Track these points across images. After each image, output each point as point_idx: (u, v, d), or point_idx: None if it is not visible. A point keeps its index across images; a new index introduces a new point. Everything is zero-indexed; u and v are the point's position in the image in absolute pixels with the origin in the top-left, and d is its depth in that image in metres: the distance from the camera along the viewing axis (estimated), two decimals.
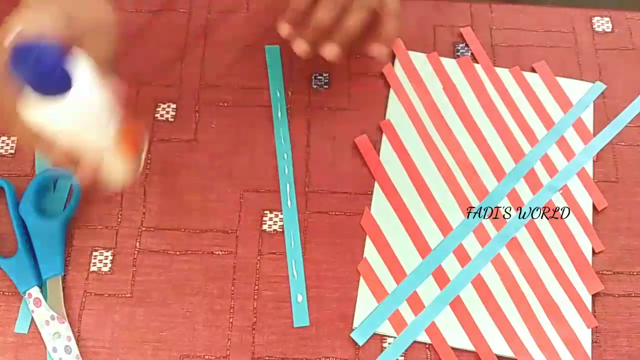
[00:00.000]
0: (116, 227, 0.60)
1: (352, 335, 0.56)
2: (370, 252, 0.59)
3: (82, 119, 0.45)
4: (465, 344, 0.56)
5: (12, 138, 0.63)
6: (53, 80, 0.42)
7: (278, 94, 0.65)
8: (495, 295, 0.58)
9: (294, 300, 0.57)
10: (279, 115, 0.64)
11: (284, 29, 0.58)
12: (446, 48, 0.68)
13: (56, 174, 0.60)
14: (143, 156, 0.53)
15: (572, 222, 0.60)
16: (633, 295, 0.58)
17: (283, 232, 0.60)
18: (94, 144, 0.47)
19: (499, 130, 0.64)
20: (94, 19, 0.50)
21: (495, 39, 0.69)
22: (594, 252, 0.59)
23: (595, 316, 0.57)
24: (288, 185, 0.61)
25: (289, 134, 0.64)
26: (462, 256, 0.59)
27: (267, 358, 0.55)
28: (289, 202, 0.61)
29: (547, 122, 0.65)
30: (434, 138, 0.64)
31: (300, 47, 0.57)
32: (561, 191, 0.62)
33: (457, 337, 0.56)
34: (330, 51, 0.57)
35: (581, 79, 0.67)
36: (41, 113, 0.43)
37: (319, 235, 0.60)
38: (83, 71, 0.44)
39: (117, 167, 0.50)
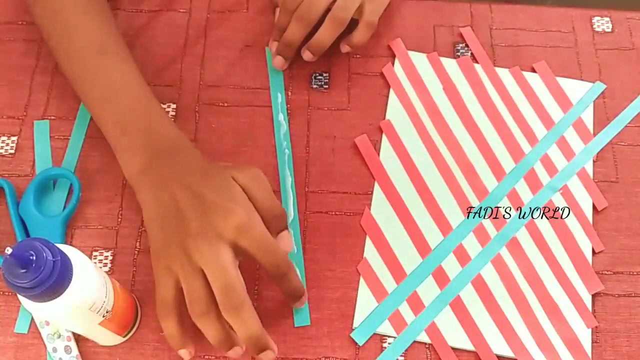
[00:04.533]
0: (116, 227, 0.60)
1: (352, 335, 0.56)
2: (370, 252, 0.59)
3: (80, 308, 0.46)
4: (465, 344, 0.56)
5: (12, 138, 0.63)
6: (47, 290, 0.42)
7: (279, 94, 0.65)
8: (495, 295, 0.58)
9: None
10: (279, 115, 0.64)
11: (273, 48, 0.66)
12: (446, 48, 0.68)
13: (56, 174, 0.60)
14: (137, 322, 0.56)
15: (572, 222, 0.60)
16: (633, 295, 0.58)
17: None
18: (92, 321, 0.49)
19: (499, 130, 0.64)
20: None
21: (495, 39, 0.69)
22: (594, 252, 0.59)
23: (595, 316, 0.57)
24: (288, 185, 0.61)
25: (289, 134, 0.64)
26: (462, 256, 0.59)
27: None
28: (289, 202, 0.61)
29: (547, 122, 0.65)
30: (434, 138, 0.64)
31: (278, 63, 0.65)
32: (561, 191, 0.62)
33: (457, 337, 0.56)
34: (306, 56, 0.65)
35: (581, 79, 0.67)
36: (40, 308, 0.44)
37: (319, 235, 0.60)
38: (79, 264, 0.44)
39: (110, 337, 0.53)
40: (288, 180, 0.62)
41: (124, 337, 0.54)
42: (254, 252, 0.50)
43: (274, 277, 0.52)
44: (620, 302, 0.58)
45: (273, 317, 0.56)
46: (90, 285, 0.45)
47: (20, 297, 0.44)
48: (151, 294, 0.57)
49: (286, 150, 0.63)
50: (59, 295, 0.43)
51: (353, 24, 0.63)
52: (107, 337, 0.53)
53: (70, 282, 0.43)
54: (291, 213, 0.60)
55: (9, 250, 0.40)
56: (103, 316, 0.48)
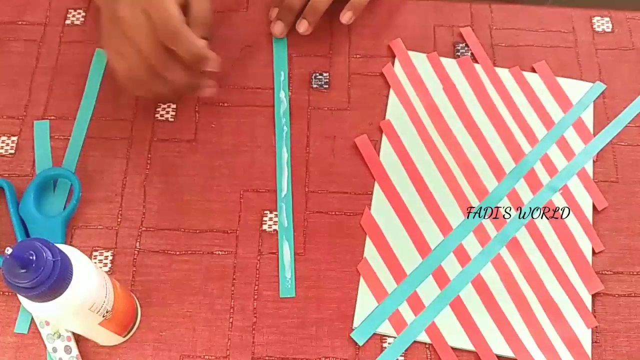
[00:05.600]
0: (116, 227, 0.60)
1: (352, 335, 0.56)
2: (370, 252, 0.59)
3: (80, 308, 0.46)
4: (465, 344, 0.56)
5: (12, 138, 0.63)
6: (47, 290, 0.42)
7: (282, 73, 0.66)
8: (495, 295, 0.58)
9: (282, 276, 0.57)
10: (281, 92, 0.65)
11: (273, 14, 0.67)
12: (446, 48, 0.68)
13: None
14: (137, 322, 0.56)
15: (572, 222, 0.60)
16: (633, 295, 0.58)
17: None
18: (92, 321, 0.49)
19: (499, 130, 0.64)
20: None
21: (495, 39, 0.69)
22: (594, 252, 0.59)
23: (595, 316, 0.57)
24: (284, 161, 0.62)
25: (290, 133, 0.64)
26: (462, 256, 0.59)
27: (267, 358, 0.55)
28: (284, 177, 0.61)
29: (547, 122, 0.65)
30: (434, 138, 0.64)
31: (278, 29, 0.66)
32: (561, 191, 0.62)
33: (457, 337, 0.56)
34: (302, 26, 0.65)
35: (581, 79, 0.67)
36: (40, 308, 0.44)
37: (319, 235, 0.60)
38: (79, 264, 0.44)
39: (110, 337, 0.53)
40: (284, 156, 0.62)
41: (124, 337, 0.54)
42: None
43: (163, 38, 0.55)
44: (620, 302, 0.58)
45: (273, 317, 0.56)
46: (90, 285, 0.45)
47: (20, 297, 0.44)
48: (151, 294, 0.57)
49: (285, 128, 0.63)
50: (59, 295, 0.43)
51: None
52: (107, 337, 0.53)
53: (70, 282, 0.43)
54: (284, 188, 0.61)
55: (9, 251, 0.40)
56: (103, 316, 0.48)
